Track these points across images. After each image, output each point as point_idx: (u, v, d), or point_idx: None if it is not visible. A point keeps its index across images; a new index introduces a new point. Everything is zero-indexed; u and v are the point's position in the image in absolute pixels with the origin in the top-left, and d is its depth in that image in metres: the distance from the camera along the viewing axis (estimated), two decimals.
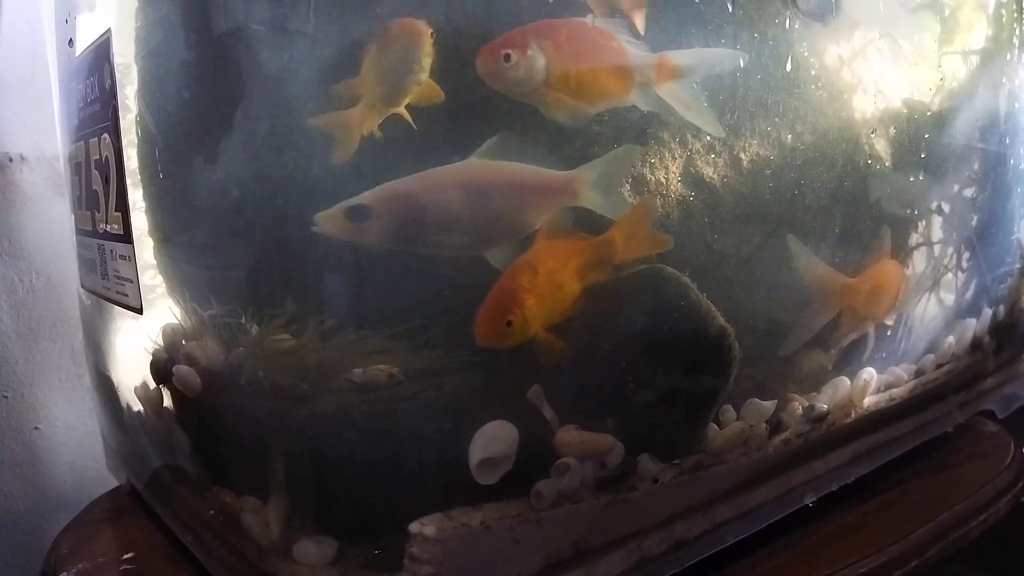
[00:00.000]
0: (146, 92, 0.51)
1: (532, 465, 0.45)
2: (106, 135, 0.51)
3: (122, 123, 0.51)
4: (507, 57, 0.42)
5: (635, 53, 0.47)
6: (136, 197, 0.55)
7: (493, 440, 0.43)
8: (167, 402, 0.53)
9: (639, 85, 0.48)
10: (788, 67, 0.57)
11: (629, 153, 0.50)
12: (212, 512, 0.50)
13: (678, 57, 0.48)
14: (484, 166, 0.46)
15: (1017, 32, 0.75)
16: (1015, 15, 0.75)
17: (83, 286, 0.64)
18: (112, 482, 0.71)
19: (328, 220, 0.42)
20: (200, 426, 0.50)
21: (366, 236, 0.42)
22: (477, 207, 0.45)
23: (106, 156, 0.52)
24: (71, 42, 0.57)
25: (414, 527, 0.42)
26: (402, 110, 0.44)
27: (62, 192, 0.80)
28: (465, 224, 0.45)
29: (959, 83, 0.72)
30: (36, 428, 0.83)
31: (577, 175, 0.48)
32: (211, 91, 0.44)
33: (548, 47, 0.44)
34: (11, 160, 0.80)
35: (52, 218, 0.81)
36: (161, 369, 0.52)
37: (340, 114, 0.43)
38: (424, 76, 0.43)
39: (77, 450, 0.85)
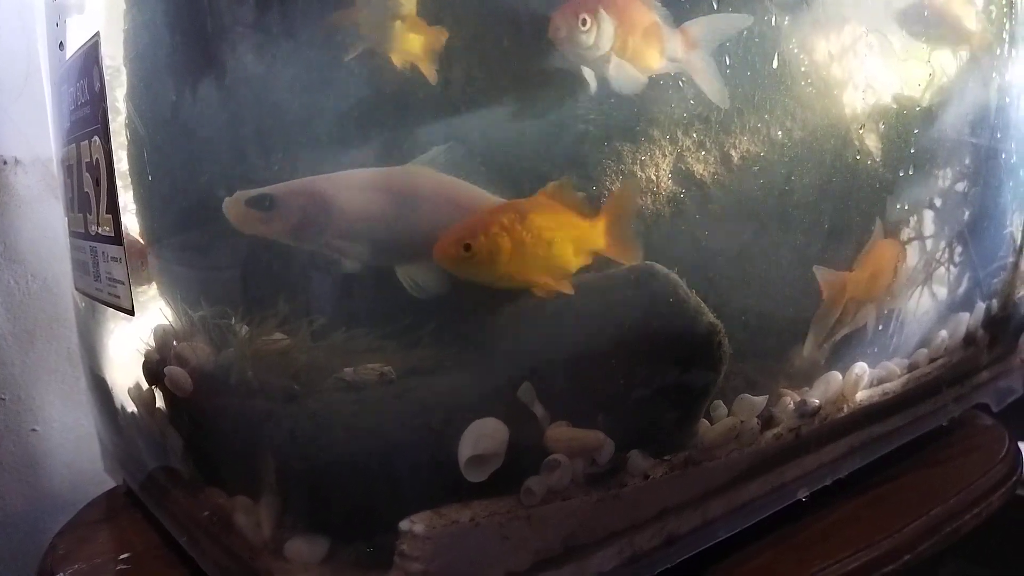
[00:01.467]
0: (135, 94, 0.51)
1: (522, 462, 0.45)
2: (96, 137, 0.51)
3: (112, 125, 0.51)
4: (584, 21, 0.45)
5: (664, 24, 0.50)
6: (127, 199, 0.56)
7: (483, 437, 0.44)
8: (160, 403, 0.54)
9: (669, 55, 0.50)
10: (775, 63, 0.57)
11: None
12: (205, 512, 0.51)
13: (696, 26, 0.51)
14: (414, 175, 0.44)
15: (1007, 27, 0.75)
16: (1004, 10, 0.75)
17: (77, 288, 0.64)
18: (109, 483, 0.71)
19: (230, 206, 0.41)
20: (192, 426, 0.51)
21: (266, 227, 0.41)
22: (393, 217, 0.44)
23: (97, 158, 0.52)
24: (61, 45, 0.58)
25: (404, 525, 0.42)
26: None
27: (56, 195, 0.80)
28: (376, 232, 0.44)
29: (949, 78, 0.73)
30: (33, 430, 0.83)
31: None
32: (198, 93, 0.44)
33: (614, 14, 0.46)
34: (5, 163, 0.80)
35: (47, 221, 0.82)
36: (153, 370, 0.52)
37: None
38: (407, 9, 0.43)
39: (74, 452, 0.85)
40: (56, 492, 0.85)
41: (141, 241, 0.52)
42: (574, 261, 0.48)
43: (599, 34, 0.46)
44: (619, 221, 0.49)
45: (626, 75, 0.48)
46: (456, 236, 0.44)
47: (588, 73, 0.49)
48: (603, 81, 0.49)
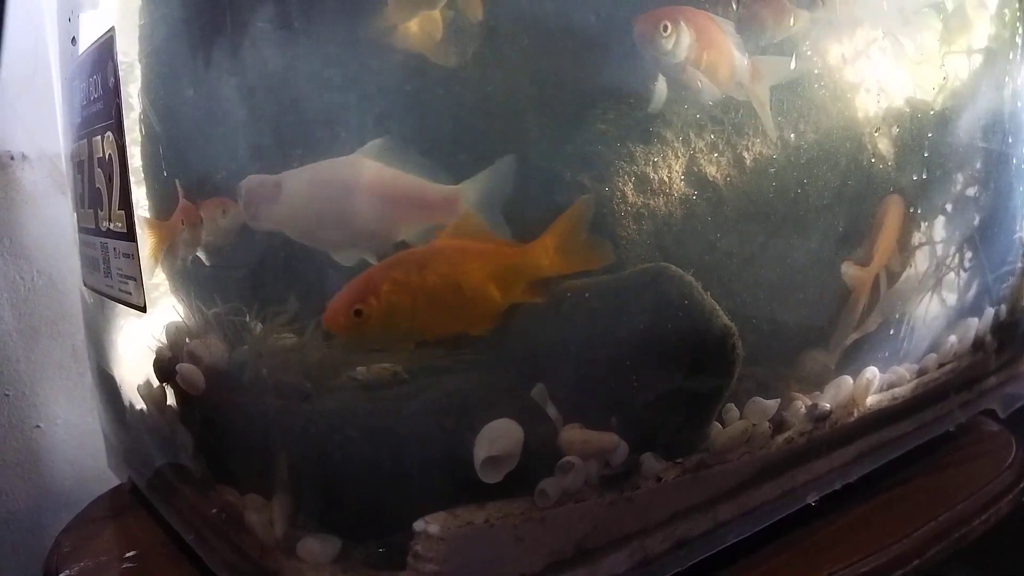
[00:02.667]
0: (150, 90, 0.51)
1: (536, 464, 0.45)
2: (109, 133, 0.51)
3: (125, 121, 0.51)
4: (665, 28, 0.49)
5: (737, 52, 0.53)
6: (140, 196, 0.55)
7: (497, 439, 0.43)
8: (170, 400, 0.53)
9: (737, 78, 0.54)
10: (792, 64, 0.57)
11: (510, 166, 0.47)
12: (215, 510, 0.50)
13: (764, 63, 0.55)
14: (354, 165, 0.44)
15: (1020, 31, 0.75)
16: (1018, 14, 0.75)
17: (86, 284, 0.64)
18: (113, 480, 0.71)
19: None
20: (204, 424, 0.50)
21: (237, 211, 0.44)
22: (335, 207, 0.44)
23: (109, 154, 0.52)
24: (74, 40, 0.57)
25: (419, 525, 0.42)
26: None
27: (63, 190, 0.80)
28: (315, 221, 0.44)
29: (962, 82, 0.72)
30: (37, 426, 0.83)
31: (459, 191, 0.45)
32: (215, 89, 0.44)
33: (693, 27, 0.50)
34: (12, 158, 0.79)
35: (53, 216, 0.81)
36: (165, 367, 0.52)
37: None
38: None
39: (78, 448, 0.85)
40: (59, 489, 0.84)
41: (190, 203, 0.51)
42: (503, 296, 0.45)
43: (677, 42, 0.49)
44: (572, 235, 0.47)
45: (699, 84, 0.52)
46: (344, 301, 0.41)
47: (662, 79, 0.52)
48: (675, 86, 0.52)
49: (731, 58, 0.53)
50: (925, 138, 0.67)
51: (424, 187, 0.45)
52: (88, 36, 0.56)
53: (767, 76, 0.56)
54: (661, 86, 0.52)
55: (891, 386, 0.68)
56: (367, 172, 0.44)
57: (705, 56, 0.51)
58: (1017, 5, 0.75)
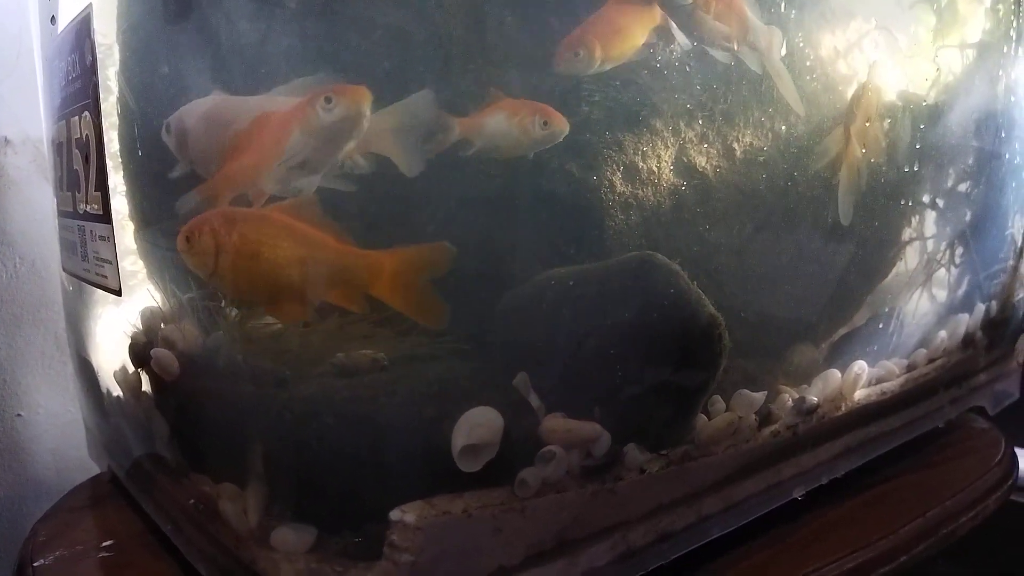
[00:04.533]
0: (126, 69, 0.50)
1: (517, 453, 0.44)
2: (87, 113, 0.50)
3: (104, 105, 0.50)
4: None
5: (751, 13, 0.54)
6: (117, 180, 0.55)
7: (477, 427, 0.43)
8: (146, 386, 0.53)
9: (750, 44, 0.54)
10: (782, 54, 0.56)
11: (427, 97, 0.44)
12: (190, 500, 0.49)
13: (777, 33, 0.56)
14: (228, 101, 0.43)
15: (1015, 26, 0.75)
16: (1013, 8, 0.74)
17: (65, 269, 0.63)
18: (94, 470, 0.70)
19: None
20: (178, 411, 0.49)
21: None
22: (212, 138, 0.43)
23: (87, 135, 0.51)
24: (53, 19, 0.56)
25: (395, 514, 0.41)
26: None
27: (47, 176, 0.79)
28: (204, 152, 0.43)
29: (955, 77, 0.72)
30: (18, 415, 0.82)
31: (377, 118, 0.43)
32: (190, 66, 0.43)
33: None
34: None
35: (37, 202, 0.80)
36: (140, 352, 0.51)
37: None
38: None
39: (59, 437, 0.84)
40: (40, 478, 0.84)
41: None
42: (308, 288, 0.43)
43: None
44: (413, 270, 0.44)
45: (710, 29, 0.52)
46: (184, 227, 0.41)
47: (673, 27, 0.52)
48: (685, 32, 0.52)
49: (743, 15, 0.53)
50: (917, 131, 0.67)
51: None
52: (67, 14, 0.55)
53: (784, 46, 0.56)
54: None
55: (880, 381, 0.67)
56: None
57: (715, 6, 0.52)
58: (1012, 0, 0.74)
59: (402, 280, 0.43)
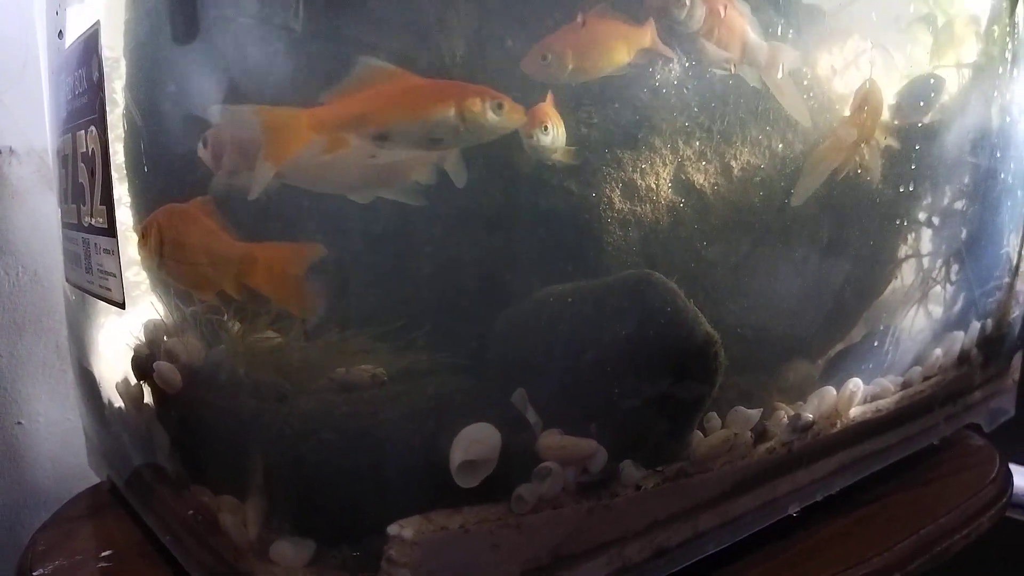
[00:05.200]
0: (133, 85, 0.50)
1: (514, 469, 0.45)
2: (93, 128, 0.51)
3: (110, 117, 0.51)
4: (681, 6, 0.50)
5: (752, 33, 0.55)
6: (122, 192, 0.55)
7: (475, 443, 0.43)
8: (147, 399, 0.53)
9: (748, 61, 0.55)
10: (780, 75, 0.57)
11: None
12: (190, 511, 0.50)
13: (782, 49, 0.56)
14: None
15: (1010, 47, 0.76)
16: (1007, 31, 0.75)
17: (68, 280, 0.63)
18: (93, 479, 0.70)
19: None
20: (180, 423, 0.50)
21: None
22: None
23: (92, 149, 0.51)
24: (60, 34, 0.57)
25: (393, 529, 0.41)
26: None
27: (51, 186, 0.80)
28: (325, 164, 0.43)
29: (951, 96, 0.73)
30: (18, 423, 0.82)
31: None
32: (197, 84, 0.44)
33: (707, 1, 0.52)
34: (0, 153, 0.79)
35: (40, 212, 0.81)
36: (142, 365, 0.52)
37: None
38: None
39: (59, 446, 0.84)
40: (39, 487, 0.84)
41: None
42: (215, 274, 0.45)
43: (691, 13, 0.51)
44: (284, 262, 0.45)
45: (712, 54, 0.53)
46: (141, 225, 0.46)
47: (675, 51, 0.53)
48: (685, 58, 0.53)
49: (744, 36, 0.54)
50: (912, 151, 0.67)
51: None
52: (74, 29, 0.55)
53: (784, 62, 0.56)
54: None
55: (875, 398, 0.67)
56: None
57: (717, 31, 0.53)
58: (1007, 22, 0.75)
59: (273, 272, 0.45)
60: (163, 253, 0.46)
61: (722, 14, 0.53)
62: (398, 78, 0.42)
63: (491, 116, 0.43)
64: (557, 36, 0.48)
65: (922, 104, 0.68)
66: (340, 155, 0.41)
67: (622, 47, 0.50)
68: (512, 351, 0.49)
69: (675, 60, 0.52)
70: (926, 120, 0.69)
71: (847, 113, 0.62)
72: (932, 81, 0.70)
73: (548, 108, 0.47)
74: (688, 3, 0.50)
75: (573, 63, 0.48)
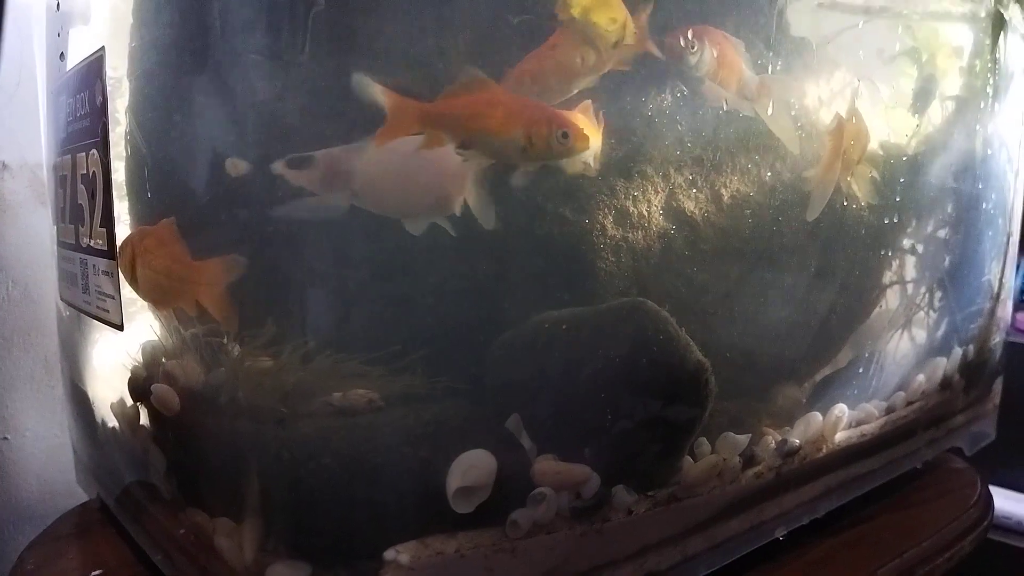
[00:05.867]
0: (138, 111, 0.51)
1: (508, 494, 0.45)
2: (95, 151, 0.51)
3: (111, 135, 0.51)
4: (693, 45, 0.53)
5: (746, 69, 0.57)
6: (121, 210, 0.55)
7: (471, 469, 0.44)
8: (144, 420, 0.53)
9: (741, 94, 0.57)
10: (770, 109, 0.58)
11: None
12: (184, 532, 0.50)
13: (772, 80, 0.58)
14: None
15: (991, 82, 0.78)
16: (989, 66, 0.77)
17: (62, 298, 0.63)
18: (81, 495, 0.70)
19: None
20: (176, 445, 0.50)
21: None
22: (414, 178, 0.46)
23: (93, 172, 0.52)
24: (62, 56, 0.57)
25: (389, 554, 0.42)
26: None
27: (43, 201, 0.80)
28: (393, 190, 0.46)
29: (935, 128, 0.74)
30: (4, 438, 0.81)
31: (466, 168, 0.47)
32: (205, 116, 0.44)
33: (714, 46, 0.54)
34: None
35: (32, 227, 0.81)
36: (139, 387, 0.52)
37: None
38: None
39: (46, 461, 0.84)
40: (24, 503, 0.83)
41: None
42: (174, 297, 0.48)
43: (701, 59, 0.53)
44: (217, 284, 0.47)
45: (715, 95, 0.56)
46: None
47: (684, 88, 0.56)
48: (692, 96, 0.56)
49: (741, 74, 0.57)
50: (897, 182, 0.69)
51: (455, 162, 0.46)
52: (76, 51, 0.56)
53: (774, 93, 0.58)
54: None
55: (859, 423, 0.69)
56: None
57: (720, 73, 0.55)
58: (988, 57, 0.77)
59: (212, 286, 0.46)
60: (135, 272, 0.49)
61: (726, 56, 0.55)
62: (492, 91, 0.45)
63: (555, 144, 0.44)
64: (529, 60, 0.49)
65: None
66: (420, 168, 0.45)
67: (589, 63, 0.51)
68: (507, 376, 0.49)
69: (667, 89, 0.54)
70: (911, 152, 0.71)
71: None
72: None
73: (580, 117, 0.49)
74: (699, 49, 0.53)
75: (538, 87, 0.49)
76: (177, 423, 0.49)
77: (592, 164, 0.51)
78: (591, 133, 0.49)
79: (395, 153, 0.45)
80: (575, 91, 0.50)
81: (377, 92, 0.42)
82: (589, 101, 0.49)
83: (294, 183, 0.42)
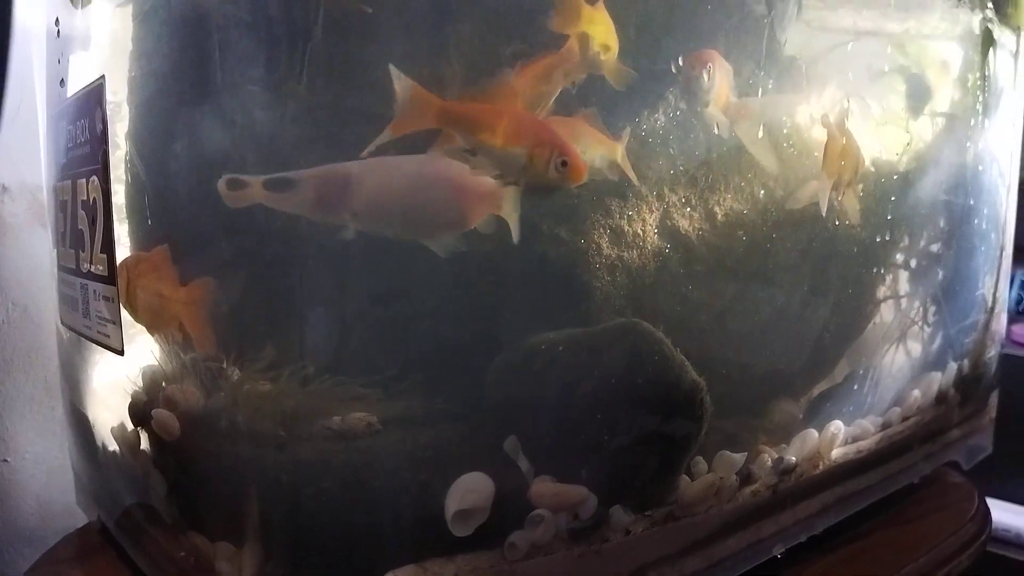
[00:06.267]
0: (138, 138, 0.52)
1: (506, 516, 0.46)
2: (95, 178, 0.52)
3: (111, 159, 0.52)
4: (708, 71, 0.54)
5: (731, 94, 0.58)
6: (121, 232, 0.56)
7: (469, 492, 0.44)
8: (144, 444, 0.53)
9: (731, 115, 0.58)
10: (760, 131, 0.59)
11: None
12: (184, 555, 0.50)
13: (751, 103, 0.59)
14: (426, 160, 0.46)
15: (980, 99, 0.79)
16: (979, 84, 0.78)
17: (63, 322, 0.64)
18: (81, 517, 0.70)
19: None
20: (177, 470, 0.50)
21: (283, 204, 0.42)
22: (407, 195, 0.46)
23: (94, 198, 0.52)
24: (63, 82, 0.58)
25: None
26: None
27: (43, 223, 0.80)
28: (402, 210, 0.45)
29: (926, 144, 0.75)
30: (4, 460, 0.82)
31: (504, 188, 0.47)
32: (204, 146, 0.45)
33: (719, 72, 0.55)
34: None
35: (32, 249, 0.81)
36: (140, 411, 0.52)
37: None
38: None
39: (46, 483, 0.84)
40: (24, 525, 0.83)
41: None
42: (165, 313, 0.49)
43: (710, 84, 0.55)
44: (199, 301, 0.48)
45: (717, 118, 0.58)
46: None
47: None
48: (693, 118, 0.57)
49: (728, 98, 0.58)
50: (889, 200, 0.70)
51: (483, 181, 0.46)
52: (77, 77, 0.56)
53: (753, 116, 0.59)
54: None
55: (856, 439, 0.69)
56: (452, 164, 0.45)
57: (718, 96, 0.56)
58: (978, 74, 0.78)
59: (190, 306, 0.48)
60: (129, 295, 0.51)
61: (725, 82, 0.56)
62: (511, 101, 0.45)
63: (553, 169, 0.44)
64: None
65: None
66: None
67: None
68: (504, 399, 0.50)
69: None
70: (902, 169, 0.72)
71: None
72: None
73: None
74: (711, 75, 0.54)
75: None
76: (177, 447, 0.49)
77: (631, 175, 0.52)
78: (605, 145, 0.50)
79: (398, 171, 0.45)
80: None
81: (401, 83, 0.42)
82: (594, 109, 0.50)
83: (278, 208, 0.42)
